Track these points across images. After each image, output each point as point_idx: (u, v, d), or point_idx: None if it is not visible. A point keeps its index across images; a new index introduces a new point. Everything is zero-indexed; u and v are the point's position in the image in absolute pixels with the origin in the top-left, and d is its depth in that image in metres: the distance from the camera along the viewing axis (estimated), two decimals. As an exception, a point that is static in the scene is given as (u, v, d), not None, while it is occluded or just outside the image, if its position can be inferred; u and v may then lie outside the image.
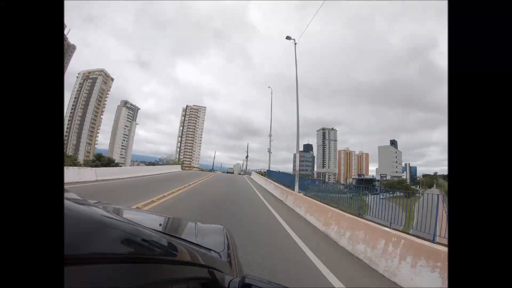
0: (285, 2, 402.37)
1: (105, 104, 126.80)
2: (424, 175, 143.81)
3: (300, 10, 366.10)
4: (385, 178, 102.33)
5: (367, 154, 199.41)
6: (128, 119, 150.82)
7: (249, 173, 43.80)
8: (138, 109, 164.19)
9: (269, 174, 27.29)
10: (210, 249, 0.99)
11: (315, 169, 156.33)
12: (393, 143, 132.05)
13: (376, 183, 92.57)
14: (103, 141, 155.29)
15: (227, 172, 61.59)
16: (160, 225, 1.32)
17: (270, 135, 33.87)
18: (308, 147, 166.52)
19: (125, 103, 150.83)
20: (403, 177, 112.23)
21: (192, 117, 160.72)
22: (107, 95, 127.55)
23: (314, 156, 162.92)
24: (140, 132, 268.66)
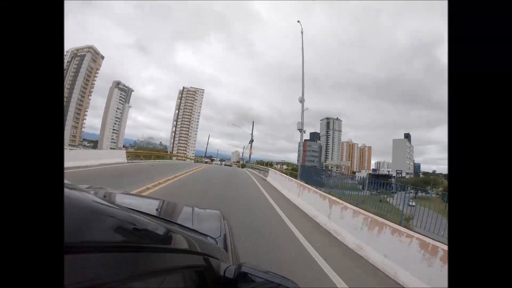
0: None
1: (93, 84, 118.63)
2: (424, 173, 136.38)
3: (305, 2, 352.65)
4: (400, 175, 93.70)
5: (369, 147, 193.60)
6: (121, 101, 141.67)
7: (254, 168, 31.68)
8: (132, 90, 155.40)
9: (306, 173, 15.01)
10: (206, 235, 0.98)
11: (326, 160, 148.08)
12: (407, 136, 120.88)
13: (392, 179, 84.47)
14: (93, 125, 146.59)
15: (223, 164, 50.52)
16: (157, 210, 1.34)
17: (302, 100, 16.70)
18: (314, 136, 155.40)
19: (117, 84, 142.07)
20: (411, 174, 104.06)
21: (189, 100, 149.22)
22: (96, 74, 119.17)
23: (321, 146, 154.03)
24: (140, 118, 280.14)
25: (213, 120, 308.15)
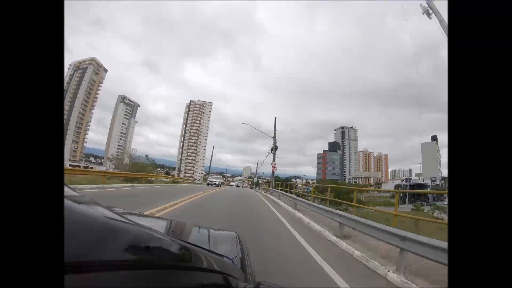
0: (293, 2, 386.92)
1: (96, 97, 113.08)
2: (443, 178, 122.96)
3: (309, 11, 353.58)
4: (435, 182, 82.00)
5: (386, 156, 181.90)
6: (126, 116, 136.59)
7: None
8: (138, 105, 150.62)
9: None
10: (223, 255, 0.98)
11: (350, 173, 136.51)
12: (435, 139, 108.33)
13: (428, 188, 73.49)
14: (96, 139, 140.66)
15: (236, 185, 43.35)
16: (173, 231, 1.37)
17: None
18: (334, 146, 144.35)
19: (122, 99, 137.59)
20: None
21: (196, 114, 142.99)
22: (99, 88, 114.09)
23: (342, 156, 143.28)
24: (151, 135, 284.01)
25: (224, 136, 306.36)
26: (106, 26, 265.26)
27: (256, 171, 49.92)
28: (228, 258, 1.01)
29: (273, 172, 27.47)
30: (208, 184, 28.19)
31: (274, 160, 26.72)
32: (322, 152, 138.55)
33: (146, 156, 30.38)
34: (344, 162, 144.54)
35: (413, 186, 64.62)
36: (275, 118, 28.26)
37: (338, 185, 29.05)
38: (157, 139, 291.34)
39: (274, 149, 27.01)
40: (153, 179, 23.80)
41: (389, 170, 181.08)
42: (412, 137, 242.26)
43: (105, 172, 15.20)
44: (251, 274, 1.12)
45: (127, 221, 0.50)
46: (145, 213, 5.43)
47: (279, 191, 18.26)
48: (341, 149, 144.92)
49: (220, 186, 31.06)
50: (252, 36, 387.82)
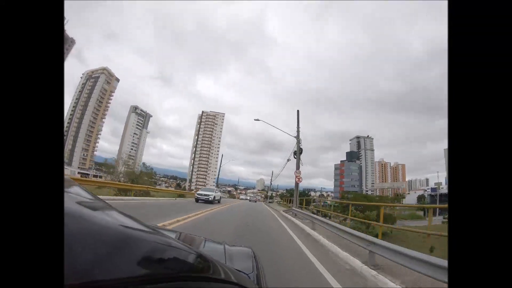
0: (303, 12, 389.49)
1: (107, 106, 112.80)
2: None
3: (318, 20, 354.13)
4: None
5: (403, 165, 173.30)
6: (138, 127, 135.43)
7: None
8: (150, 116, 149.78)
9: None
10: (239, 271, 0.98)
11: (369, 184, 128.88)
12: None
13: None
14: (107, 149, 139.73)
15: (248, 200, 38.34)
16: (190, 244, 1.30)
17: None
18: (352, 155, 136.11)
19: (134, 109, 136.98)
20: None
21: (208, 125, 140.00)
22: (110, 97, 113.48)
23: (361, 166, 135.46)
24: (164, 146, 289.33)
25: (236, 147, 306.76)
26: (120, 39, 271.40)
27: (271, 184, 45.15)
28: (244, 273, 1.01)
29: (297, 185, 18.34)
30: (196, 200, 18.45)
31: (298, 167, 18.21)
32: (339, 162, 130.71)
33: (144, 164, 26.25)
34: (362, 174, 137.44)
35: (441, 196, 58.14)
36: (298, 111, 20.26)
37: (369, 200, 24.03)
38: (170, 151, 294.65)
39: (298, 153, 18.53)
40: (151, 191, 19.45)
41: (406, 180, 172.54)
42: (427, 144, 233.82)
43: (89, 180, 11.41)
44: None
45: (144, 228, 0.47)
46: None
47: (312, 215, 11.15)
48: (359, 159, 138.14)
49: (217, 202, 20.13)
50: (263, 48, 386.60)
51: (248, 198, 49.66)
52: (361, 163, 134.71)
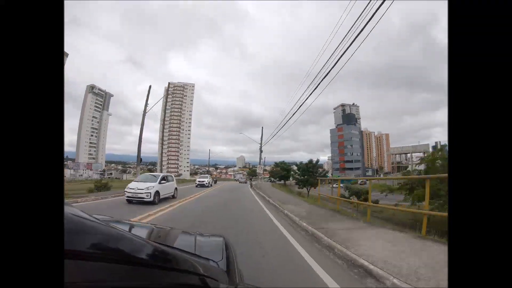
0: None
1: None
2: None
3: None
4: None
5: (387, 135, 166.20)
6: (97, 109, 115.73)
7: None
8: (111, 95, 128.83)
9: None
10: (208, 259, 1.03)
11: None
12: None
13: None
14: (71, 141, 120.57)
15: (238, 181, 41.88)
16: (159, 236, 1.44)
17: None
18: (350, 118, 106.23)
19: (91, 89, 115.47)
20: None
21: (176, 98, 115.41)
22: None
23: (362, 131, 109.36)
24: (144, 133, 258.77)
25: (215, 128, 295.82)
26: (85, 25, 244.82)
27: (261, 161, 34.62)
28: (214, 261, 1.05)
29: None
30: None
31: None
32: (335, 127, 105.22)
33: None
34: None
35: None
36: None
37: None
38: (149, 137, 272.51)
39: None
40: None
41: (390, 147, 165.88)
42: (404, 117, 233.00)
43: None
44: (238, 276, 1.17)
45: (111, 227, 0.55)
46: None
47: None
48: (358, 122, 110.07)
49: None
50: (237, 24, 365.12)
51: (238, 179, 52.36)
52: (361, 128, 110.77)
